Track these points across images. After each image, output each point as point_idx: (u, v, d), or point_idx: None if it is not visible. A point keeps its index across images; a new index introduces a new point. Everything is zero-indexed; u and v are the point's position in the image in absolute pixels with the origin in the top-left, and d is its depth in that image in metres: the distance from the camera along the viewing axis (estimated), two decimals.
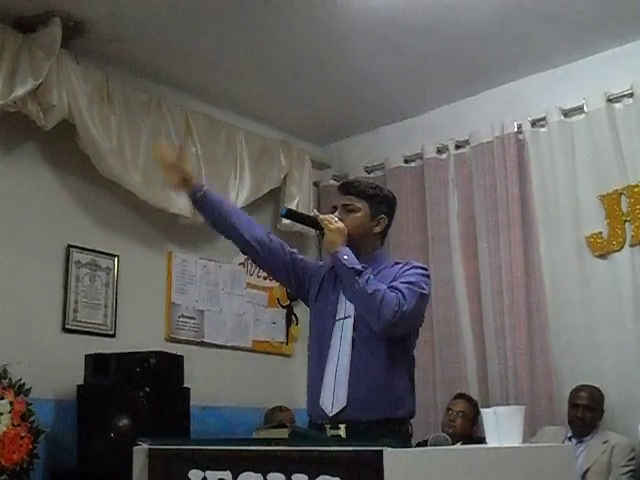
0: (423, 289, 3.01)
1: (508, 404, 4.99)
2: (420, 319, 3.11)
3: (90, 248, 5.01)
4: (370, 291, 2.90)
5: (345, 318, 3.06)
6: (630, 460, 4.48)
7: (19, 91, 4.44)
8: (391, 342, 2.98)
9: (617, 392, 4.78)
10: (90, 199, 5.07)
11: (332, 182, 6.34)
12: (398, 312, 2.88)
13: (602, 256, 5.01)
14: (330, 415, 2.97)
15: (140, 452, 2.55)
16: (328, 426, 2.96)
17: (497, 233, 5.36)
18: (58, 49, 4.63)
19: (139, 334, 5.11)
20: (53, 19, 4.59)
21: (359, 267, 2.95)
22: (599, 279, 5.00)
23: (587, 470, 4.46)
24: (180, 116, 5.43)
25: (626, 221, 4.94)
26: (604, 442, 4.54)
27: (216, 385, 5.40)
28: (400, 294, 2.91)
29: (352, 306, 3.03)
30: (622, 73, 5.07)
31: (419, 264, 3.15)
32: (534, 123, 5.41)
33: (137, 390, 4.34)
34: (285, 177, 6.09)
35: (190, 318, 5.49)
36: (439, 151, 5.85)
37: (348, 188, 3.23)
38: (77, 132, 4.76)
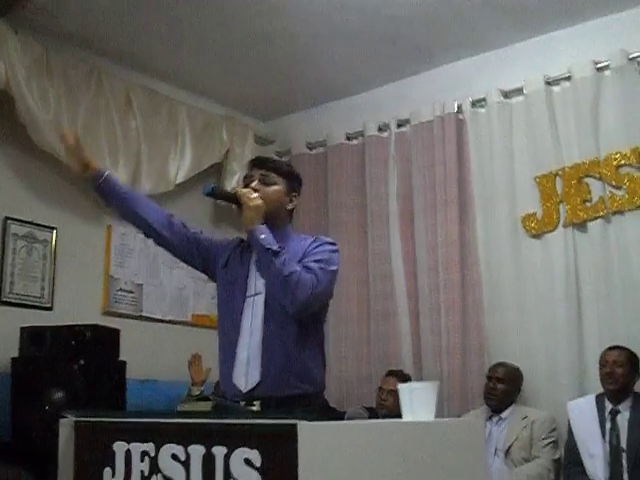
0: (334, 265, 3.05)
1: (441, 381, 5.10)
2: (330, 295, 3.14)
3: (27, 220, 4.98)
4: (286, 273, 2.90)
5: (256, 294, 3.05)
6: (551, 432, 4.60)
7: None
8: (302, 320, 3.01)
9: (546, 371, 4.90)
10: (28, 171, 5.03)
11: (275, 157, 6.35)
12: (312, 294, 2.91)
13: (536, 236, 5.10)
14: (244, 392, 2.97)
15: (66, 424, 2.56)
16: (243, 403, 2.96)
17: (434, 212, 5.42)
18: None
19: (76, 307, 5.10)
20: None
21: (276, 247, 2.95)
22: (533, 259, 5.10)
23: (510, 446, 4.56)
24: (120, 89, 5.40)
25: (560, 202, 5.03)
26: (524, 418, 4.65)
27: (155, 359, 5.40)
28: (314, 275, 2.94)
29: (262, 282, 3.04)
30: (561, 57, 5.15)
31: (328, 239, 3.17)
32: (474, 103, 5.48)
33: (72, 363, 4.32)
34: (227, 152, 6.08)
35: (128, 292, 5.48)
36: (380, 129, 5.89)
37: (265, 163, 3.23)
38: (14, 103, 4.72)
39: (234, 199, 3.07)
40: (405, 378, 5.08)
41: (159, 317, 5.64)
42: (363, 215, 5.82)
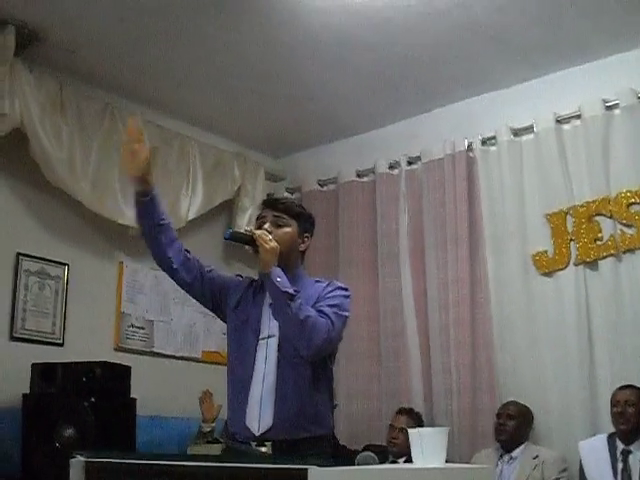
0: (346, 311, 3.08)
1: (452, 419, 5.08)
2: (341, 339, 3.15)
3: (40, 256, 5.01)
4: (302, 317, 2.90)
5: (269, 337, 3.05)
6: (562, 472, 4.56)
7: None
8: (314, 362, 3.02)
9: (558, 410, 4.87)
10: (41, 207, 5.07)
11: (286, 194, 6.39)
12: (327, 338, 2.93)
13: (547, 274, 5.10)
14: (257, 435, 2.97)
15: (77, 464, 2.55)
16: (254, 444, 2.97)
17: (445, 249, 5.43)
18: (11, 57, 4.64)
19: (88, 343, 5.11)
20: (7, 27, 4.59)
21: (292, 291, 2.94)
22: (544, 297, 5.09)
23: None
24: None
25: (571, 240, 5.03)
26: (535, 457, 4.62)
27: (165, 395, 5.39)
28: (329, 320, 2.96)
29: (276, 324, 3.03)
30: (571, 95, 5.17)
31: (341, 285, 3.18)
32: (484, 141, 5.50)
33: (83, 400, 4.33)
34: (238, 189, 6.11)
35: (140, 328, 5.50)
36: (391, 166, 5.92)
37: (277, 204, 3.24)
38: (28, 141, 4.76)
39: (251, 241, 3.05)
40: (416, 416, 5.08)
41: (170, 353, 5.65)
42: (374, 252, 5.82)
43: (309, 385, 3.00)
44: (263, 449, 2.91)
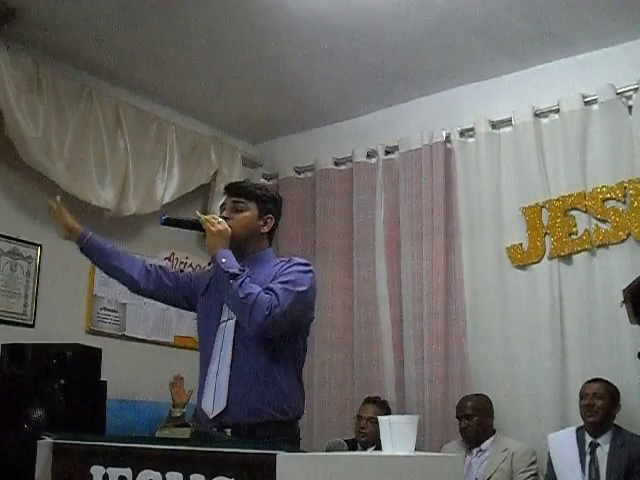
0: (301, 286, 3.02)
1: (423, 410, 5.09)
2: (300, 317, 3.09)
3: (12, 236, 4.96)
4: (242, 295, 2.90)
5: (228, 320, 3.08)
6: (531, 465, 4.58)
7: None
8: (274, 342, 3.00)
9: (528, 402, 4.89)
10: (14, 187, 5.01)
11: (262, 181, 6.36)
12: (270, 315, 2.88)
13: (521, 267, 5.12)
14: (210, 418, 2.99)
15: (44, 446, 2.55)
16: (215, 429, 2.98)
17: (420, 239, 5.43)
18: None
19: (59, 325, 5.07)
20: None
21: (235, 270, 2.95)
22: (518, 290, 5.11)
23: (490, 478, 4.53)
24: (110, 107, 5.39)
25: (546, 234, 5.05)
26: (504, 450, 4.63)
27: (136, 379, 5.37)
28: (274, 296, 2.92)
29: None
30: (550, 89, 5.19)
31: (300, 260, 3.16)
32: (462, 133, 5.50)
33: (53, 382, 4.30)
34: (215, 174, 6.08)
35: (112, 311, 5.46)
36: (369, 155, 5.91)
37: (236, 189, 3.27)
38: (3, 118, 4.71)
39: (197, 226, 3.12)
40: (383, 405, 5.06)
41: (142, 337, 5.62)
42: (350, 241, 5.82)
43: (268, 368, 2.99)
44: (224, 436, 2.90)
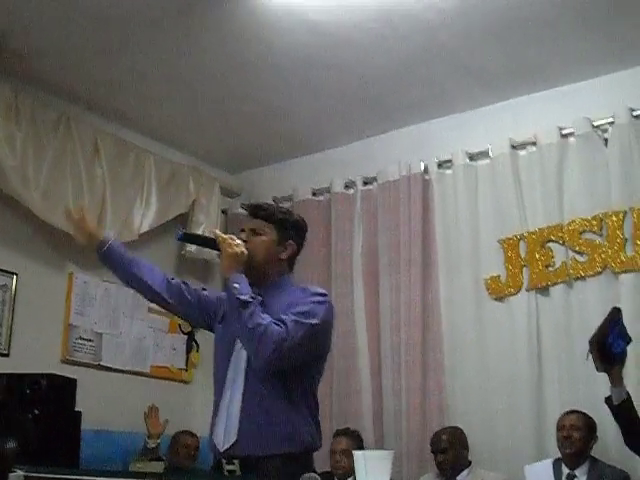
0: (314, 318, 2.87)
1: (401, 441, 5.07)
2: (314, 350, 2.95)
3: None
4: (251, 325, 2.80)
5: (241, 348, 2.95)
6: None
7: None
8: (287, 373, 2.88)
9: (505, 433, 4.89)
10: None
11: (241, 210, 6.35)
12: (277, 349, 2.78)
13: (499, 299, 5.13)
14: (221, 450, 2.89)
15: (16, 479, 2.51)
16: (224, 461, 2.89)
17: (398, 271, 5.43)
18: None
19: (34, 355, 5.02)
20: None
21: (246, 298, 2.84)
22: (495, 321, 5.11)
23: None
24: (88, 136, 5.38)
25: (524, 266, 5.07)
26: None
27: (111, 409, 5.31)
28: (284, 328, 2.81)
29: None
30: (527, 122, 5.25)
31: (318, 290, 3.04)
32: (440, 164, 5.53)
33: (26, 412, 4.26)
34: (193, 203, 6.07)
35: (88, 340, 5.41)
36: (347, 186, 5.92)
37: (257, 211, 3.14)
38: None
39: (213, 245, 3.00)
40: (354, 436, 5.01)
41: (118, 367, 5.56)
42: (327, 272, 5.80)
43: (278, 400, 2.88)
44: (232, 467, 2.83)
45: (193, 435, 5.45)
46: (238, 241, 2.98)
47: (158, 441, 5.21)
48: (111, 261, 3.24)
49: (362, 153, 5.95)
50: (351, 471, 4.77)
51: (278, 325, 2.82)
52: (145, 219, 5.64)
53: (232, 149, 6.22)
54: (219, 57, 4.88)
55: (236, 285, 2.88)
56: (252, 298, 2.86)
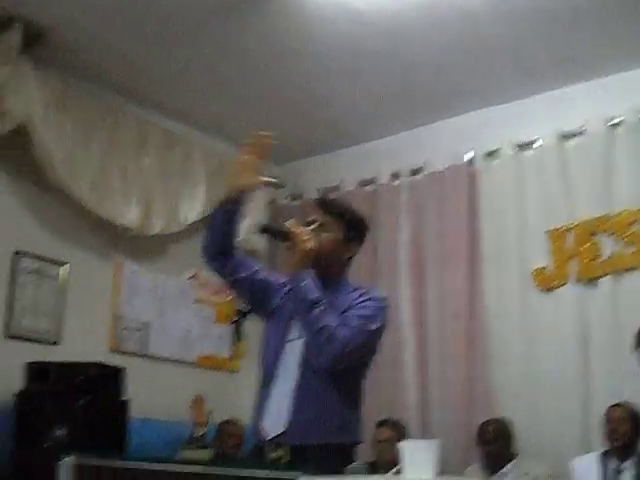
0: (375, 324, 2.90)
1: (447, 432, 5.05)
2: (368, 353, 2.99)
3: (38, 255, 5.00)
4: (319, 326, 2.81)
5: (295, 339, 2.97)
6: None
7: None
8: (341, 371, 2.88)
9: (552, 425, 4.85)
10: (40, 206, 5.06)
11: (286, 202, 6.39)
12: (342, 352, 2.80)
13: (546, 290, 5.09)
14: (268, 438, 2.90)
15: (66, 466, 2.55)
16: (270, 447, 2.90)
17: (444, 262, 5.41)
18: (17, 55, 4.64)
19: (83, 344, 5.10)
20: (14, 25, 4.60)
21: (314, 297, 2.84)
22: (542, 313, 5.07)
23: None
24: (136, 127, 5.44)
25: (571, 257, 5.02)
26: (526, 473, 4.57)
27: (159, 398, 5.37)
28: (349, 332, 2.82)
29: None
30: (575, 111, 5.18)
31: (378, 295, 3.04)
32: (487, 155, 5.50)
33: (76, 400, 4.33)
34: None
35: (136, 330, 5.48)
36: (393, 177, 5.91)
37: (328, 206, 3.13)
38: (31, 139, 4.75)
39: (287, 237, 2.97)
40: (397, 426, 5.01)
41: (165, 356, 5.63)
42: (373, 262, 5.79)
43: (332, 393, 2.89)
44: (278, 454, 2.85)
45: (239, 424, 5.49)
46: (309, 236, 2.95)
47: (204, 430, 5.26)
48: (232, 215, 3.11)
49: (409, 144, 5.93)
50: (395, 461, 4.79)
51: (344, 329, 2.83)
52: (192, 210, 5.69)
53: (278, 140, 6.20)
54: (263, 48, 4.89)
55: (304, 282, 2.88)
56: (320, 298, 2.86)
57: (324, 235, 3.02)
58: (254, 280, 3.19)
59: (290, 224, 3.00)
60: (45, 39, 4.78)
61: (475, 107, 5.58)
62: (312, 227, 3.04)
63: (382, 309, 2.98)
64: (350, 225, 3.09)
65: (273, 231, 3.26)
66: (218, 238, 3.13)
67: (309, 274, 2.90)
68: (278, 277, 3.23)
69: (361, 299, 2.97)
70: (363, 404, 3.05)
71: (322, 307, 2.84)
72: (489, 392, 5.12)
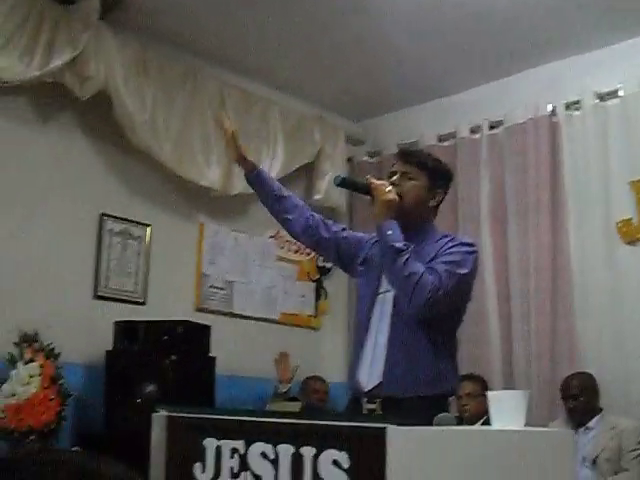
0: (463, 269, 2.90)
1: (530, 387, 5.03)
2: (460, 299, 3.01)
3: (123, 217, 5.11)
4: (406, 273, 2.83)
5: (386, 292, 3.02)
6: None
7: (57, 62, 4.53)
8: (431, 321, 2.91)
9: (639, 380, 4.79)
10: (124, 169, 5.16)
11: (366, 158, 6.39)
12: (431, 298, 2.81)
13: (631, 242, 4.99)
14: (364, 391, 2.97)
15: (159, 419, 2.62)
16: (365, 399, 2.96)
17: (526, 215, 5.35)
18: (96, 21, 4.71)
19: (169, 303, 5.21)
20: None
21: (400, 245, 2.87)
22: (627, 265, 4.97)
23: (597, 457, 4.42)
24: (214, 89, 5.49)
25: None
26: (612, 428, 4.50)
27: (243, 355, 5.47)
28: (437, 277, 2.83)
29: None
30: None
31: (466, 240, 3.06)
32: (568, 106, 5.38)
33: (164, 358, 4.43)
34: (318, 152, 6.12)
35: (220, 289, 5.57)
36: (472, 131, 5.84)
37: (408, 157, 3.15)
38: (112, 103, 4.83)
39: (367, 190, 3.02)
40: (480, 380, 5.00)
41: (249, 314, 5.71)
42: (454, 217, 5.76)
43: (425, 344, 2.92)
44: (373, 406, 2.89)
45: (322, 380, 5.56)
46: (390, 187, 3.00)
47: (289, 386, 5.33)
48: (259, 186, 3.35)
49: (488, 97, 5.84)
50: (478, 415, 4.82)
51: (431, 274, 2.84)
52: (272, 169, 5.70)
53: (356, 97, 6.21)
54: (341, 4, 4.86)
55: (389, 232, 2.92)
56: (406, 246, 2.89)
57: (407, 184, 3.06)
58: (338, 238, 3.28)
59: (369, 178, 3.04)
60: (123, 4, 4.83)
61: (556, 57, 5.46)
62: (394, 178, 3.06)
63: (470, 254, 2.99)
64: (433, 172, 3.11)
65: (351, 184, 3.29)
66: (278, 214, 3.35)
67: (393, 224, 2.93)
68: (362, 235, 3.29)
69: (449, 244, 2.99)
70: (457, 354, 3.07)
71: (407, 255, 2.87)
72: (573, 346, 5.06)
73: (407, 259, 2.86)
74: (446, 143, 6.00)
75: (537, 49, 5.38)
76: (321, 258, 5.99)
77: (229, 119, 3.49)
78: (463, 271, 2.91)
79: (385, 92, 6.09)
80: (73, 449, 4.21)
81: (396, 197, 2.97)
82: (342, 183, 3.15)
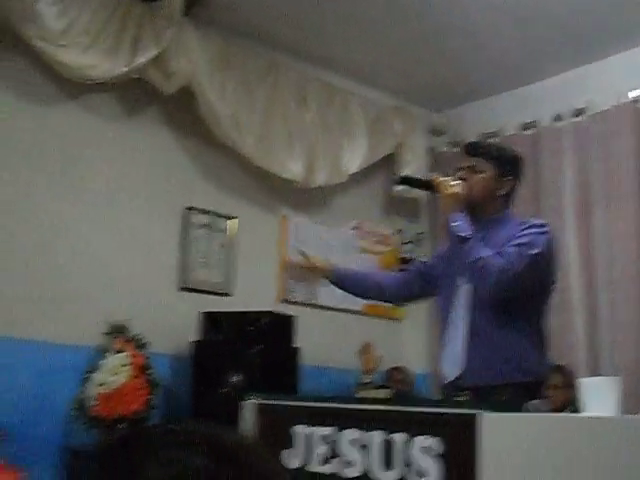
0: (534, 249, 2.90)
1: (616, 376, 4.96)
2: (537, 280, 2.99)
3: (208, 210, 5.18)
4: (471, 259, 2.90)
5: (464, 284, 3.07)
6: None
7: (142, 58, 4.64)
8: (511, 305, 2.93)
9: None
10: (208, 163, 5.23)
11: (447, 149, 6.36)
12: (499, 280, 2.84)
13: None
14: (448, 381, 3.02)
15: (250, 406, 2.67)
16: (450, 390, 3.00)
17: (611, 204, 5.27)
18: (179, 17, 4.79)
19: (254, 295, 5.26)
20: None
21: (465, 234, 2.93)
22: None
23: None
24: (296, 82, 5.53)
25: None
26: None
27: (327, 346, 5.50)
28: (505, 259, 2.86)
29: None
30: None
31: (537, 221, 3.06)
32: None
33: (249, 348, 4.49)
34: (399, 143, 6.12)
35: (304, 280, 5.60)
36: (555, 119, 5.77)
37: (473, 149, 3.20)
38: (196, 98, 4.91)
39: (428, 186, 3.15)
40: (564, 370, 4.95)
41: (333, 305, 5.73)
42: (537, 206, 5.70)
43: (505, 330, 2.95)
44: (460, 398, 2.88)
45: (406, 370, 5.56)
46: (454, 182, 3.07)
47: (372, 377, 5.34)
48: (342, 286, 3.62)
49: (570, 84, 5.76)
50: (561, 407, 4.77)
51: (498, 257, 2.88)
52: (353, 161, 5.75)
53: (437, 87, 6.19)
54: None
55: (454, 223, 2.98)
56: (471, 234, 2.95)
57: (474, 178, 3.10)
58: (424, 271, 3.47)
59: (432, 175, 3.23)
60: (205, 0, 4.91)
61: (638, 44, 5.37)
62: (462, 173, 3.13)
63: (542, 234, 2.98)
64: (500, 161, 3.14)
65: (412, 181, 3.36)
66: (361, 293, 3.69)
67: (459, 216, 3.00)
68: (440, 248, 3.50)
69: (521, 227, 3.02)
70: (545, 340, 3.07)
71: (472, 242, 2.93)
72: None
73: (472, 246, 2.92)
74: (528, 132, 5.94)
75: (620, 34, 5.29)
76: (404, 249, 6.02)
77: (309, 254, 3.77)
78: (534, 251, 2.91)
79: (466, 82, 6.05)
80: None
81: (460, 191, 3.04)
82: (402, 181, 3.23)
